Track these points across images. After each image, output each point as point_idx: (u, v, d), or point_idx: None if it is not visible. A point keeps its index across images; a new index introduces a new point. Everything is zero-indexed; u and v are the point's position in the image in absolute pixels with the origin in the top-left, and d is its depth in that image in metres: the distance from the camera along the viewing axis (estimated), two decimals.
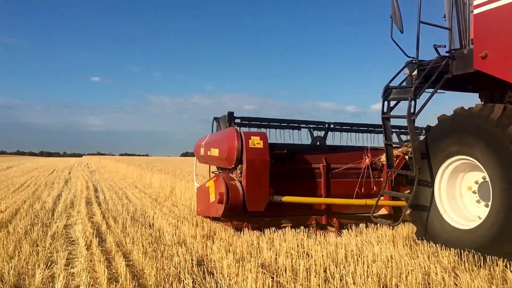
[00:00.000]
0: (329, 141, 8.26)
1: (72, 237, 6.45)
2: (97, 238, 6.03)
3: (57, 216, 8.24)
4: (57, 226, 7.13)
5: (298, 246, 5.58)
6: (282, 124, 7.94)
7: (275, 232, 6.40)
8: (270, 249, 5.26)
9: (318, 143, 8.13)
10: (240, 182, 6.52)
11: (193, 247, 5.62)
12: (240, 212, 6.52)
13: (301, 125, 8.11)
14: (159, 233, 6.54)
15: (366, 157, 7.41)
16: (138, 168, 21.56)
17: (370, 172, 7.36)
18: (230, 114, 7.28)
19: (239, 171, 6.58)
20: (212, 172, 7.81)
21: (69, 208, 9.53)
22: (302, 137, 8.06)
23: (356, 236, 6.23)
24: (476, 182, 5.41)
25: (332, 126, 8.20)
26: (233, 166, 6.64)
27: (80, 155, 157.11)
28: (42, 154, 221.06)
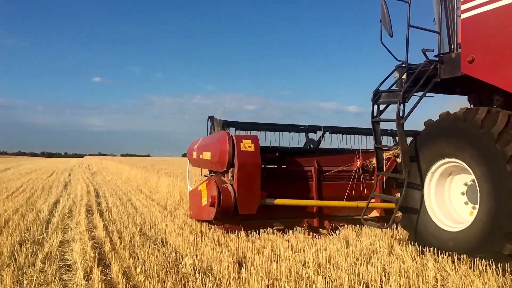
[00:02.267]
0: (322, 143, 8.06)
1: (68, 260, 5.23)
2: (99, 265, 4.80)
3: (52, 230, 7.01)
4: (51, 245, 5.91)
5: (356, 275, 4.34)
6: (277, 128, 7.64)
7: (319, 254, 5.18)
8: (326, 284, 4.01)
9: (311, 146, 7.90)
10: (232, 185, 6.51)
11: (223, 277, 4.37)
12: (232, 215, 6.53)
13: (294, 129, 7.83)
14: (176, 255, 5.30)
15: (358, 160, 7.44)
16: (143, 170, 20.31)
17: (361, 174, 7.39)
18: (225, 122, 7.24)
19: (231, 174, 6.57)
20: (204, 175, 7.75)
21: (67, 218, 8.30)
22: (295, 140, 7.87)
23: (422, 258, 4.97)
24: (465, 184, 5.39)
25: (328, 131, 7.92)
26: (225, 169, 6.63)
27: (81, 156, 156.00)
28: (44, 154, 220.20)
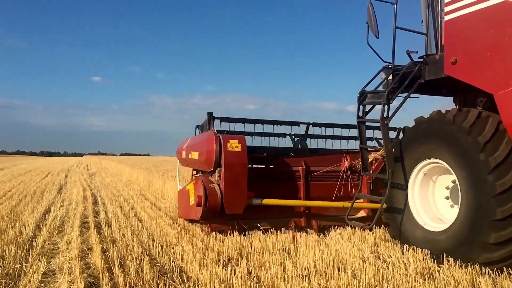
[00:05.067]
0: (313, 144, 8.31)
1: None
2: None
3: (36, 255, 5.41)
4: (30, 280, 4.36)
5: None
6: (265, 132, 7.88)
7: None
8: None
9: (299, 146, 8.07)
10: (219, 185, 6.52)
11: None
12: (218, 215, 6.54)
13: (279, 127, 7.99)
14: None
15: (345, 160, 7.47)
16: (145, 172, 18.67)
17: (349, 175, 7.40)
18: (210, 114, 7.33)
19: (218, 174, 6.58)
20: (192, 175, 7.81)
21: (56, 235, 6.70)
22: (286, 142, 8.07)
23: None
24: (449, 186, 5.48)
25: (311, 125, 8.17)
26: (212, 169, 6.66)
27: (80, 155, 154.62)
28: (43, 154, 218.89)
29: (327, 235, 6.57)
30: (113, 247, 5.69)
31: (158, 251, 5.60)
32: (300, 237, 6.29)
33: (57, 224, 7.60)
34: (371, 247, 5.72)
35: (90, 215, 8.58)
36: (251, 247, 5.66)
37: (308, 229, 6.94)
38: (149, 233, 6.73)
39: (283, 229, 6.73)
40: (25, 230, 6.86)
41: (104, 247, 5.72)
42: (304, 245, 5.78)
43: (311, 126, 8.16)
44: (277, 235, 6.43)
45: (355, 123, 6.42)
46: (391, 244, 5.90)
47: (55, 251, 5.77)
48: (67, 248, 5.81)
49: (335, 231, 6.72)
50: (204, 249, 5.59)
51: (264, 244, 5.82)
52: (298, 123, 8.13)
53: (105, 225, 7.46)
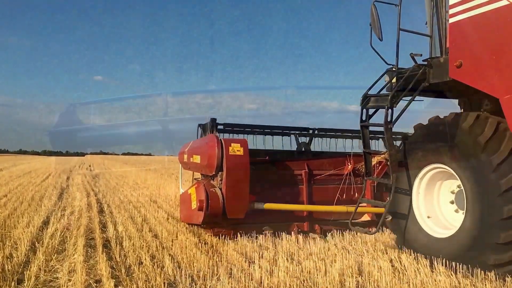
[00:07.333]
0: (316, 147, 8.16)
1: None
2: None
3: None
4: None
5: None
6: (266, 131, 7.79)
7: None
8: None
9: (303, 149, 7.89)
10: (221, 189, 6.42)
11: None
12: (220, 219, 6.43)
13: (284, 131, 7.94)
14: None
15: (349, 164, 7.34)
16: (154, 174, 17.32)
17: (352, 178, 7.29)
18: (213, 120, 7.18)
19: (220, 178, 6.49)
20: (194, 178, 7.72)
21: (54, 259, 5.36)
22: (287, 144, 7.92)
23: None
24: (453, 192, 5.42)
25: (316, 132, 8.09)
26: (214, 173, 6.55)
27: (82, 154, 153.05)
28: (45, 153, 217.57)
29: (393, 257, 5.21)
30: (129, 281, 4.32)
31: (188, 283, 4.24)
32: (368, 264, 4.92)
33: (57, 242, 6.25)
34: (465, 277, 4.38)
35: (96, 229, 7.23)
36: (313, 282, 4.27)
37: (311, 233, 6.85)
38: (172, 257, 5.39)
39: (340, 250, 5.48)
40: (17, 252, 5.52)
41: (118, 284, 4.34)
42: (377, 276, 4.42)
43: (315, 133, 8.04)
44: (335, 260, 5.08)
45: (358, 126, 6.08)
46: (478, 270, 4.52)
47: (52, 284, 4.43)
48: (69, 281, 4.45)
49: (405, 253, 5.37)
50: (251, 285, 4.21)
51: (326, 275, 4.45)
52: (307, 129, 8.07)
53: (116, 244, 6.11)
